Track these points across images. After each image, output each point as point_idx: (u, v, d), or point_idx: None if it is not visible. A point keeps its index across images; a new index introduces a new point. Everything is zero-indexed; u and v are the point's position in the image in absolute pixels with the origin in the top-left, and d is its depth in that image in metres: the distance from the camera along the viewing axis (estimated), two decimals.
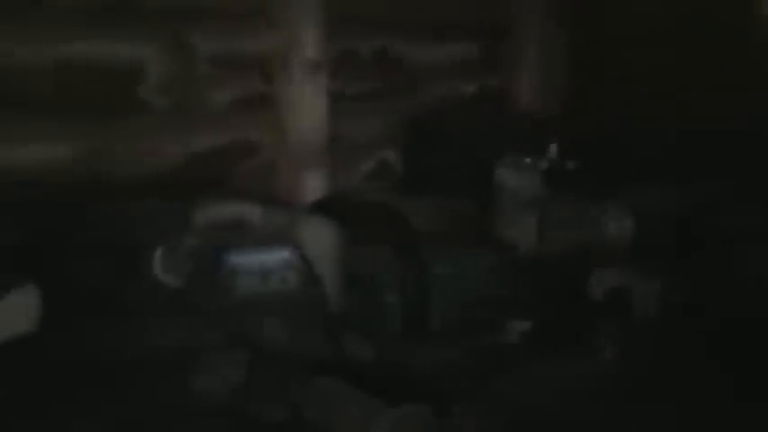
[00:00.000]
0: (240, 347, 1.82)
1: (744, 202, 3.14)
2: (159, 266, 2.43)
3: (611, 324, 2.44)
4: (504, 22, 4.27)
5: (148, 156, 3.08)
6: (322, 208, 3.00)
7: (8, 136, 2.84)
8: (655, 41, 3.93)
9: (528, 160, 3.27)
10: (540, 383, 2.07)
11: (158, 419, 1.69)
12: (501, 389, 2.09)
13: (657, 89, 3.84)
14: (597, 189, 3.16)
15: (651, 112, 3.70)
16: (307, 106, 3.34)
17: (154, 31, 3.08)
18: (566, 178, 3.24)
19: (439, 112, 3.84)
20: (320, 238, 2.69)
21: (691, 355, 2.29)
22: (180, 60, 3.14)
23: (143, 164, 3.08)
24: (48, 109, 2.90)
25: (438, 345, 2.44)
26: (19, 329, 2.27)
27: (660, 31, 3.94)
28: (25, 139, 2.88)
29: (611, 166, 3.29)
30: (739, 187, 3.23)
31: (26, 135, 2.88)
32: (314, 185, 3.33)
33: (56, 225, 2.67)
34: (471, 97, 4.13)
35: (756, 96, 3.62)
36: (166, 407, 1.71)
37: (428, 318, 2.59)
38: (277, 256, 2.53)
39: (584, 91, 4.12)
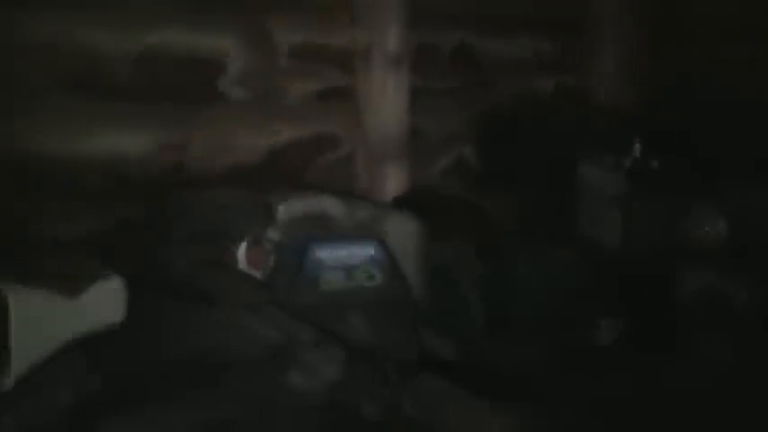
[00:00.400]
0: (333, 343, 1.77)
1: None
2: (244, 260, 2.40)
3: (705, 325, 2.36)
4: (580, 17, 4.18)
5: (227, 147, 3.06)
6: (404, 203, 2.96)
7: (90, 125, 2.85)
8: (743, 35, 3.81)
9: (611, 158, 3.20)
10: (640, 384, 2.00)
11: (254, 417, 1.65)
12: (598, 389, 2.03)
13: (745, 84, 3.72)
14: (684, 187, 3.08)
15: (738, 107, 3.58)
16: (387, 100, 3.30)
17: (236, 22, 3.06)
18: (650, 176, 3.16)
19: (516, 108, 3.77)
20: (404, 233, 2.64)
21: None
22: (261, 52, 3.12)
23: (221, 155, 3.06)
24: (129, 98, 2.91)
25: (522, 342, 2.38)
26: (104, 320, 2.25)
27: (749, 24, 3.82)
28: (107, 127, 2.88)
29: (697, 164, 3.20)
30: None
31: (108, 124, 2.88)
32: (393, 180, 3.28)
33: (139, 215, 2.66)
34: (548, 93, 4.05)
35: None
36: (262, 404, 1.67)
37: (510, 315, 2.53)
38: (362, 252, 2.49)
39: (666, 87, 4.02)
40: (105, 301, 2.28)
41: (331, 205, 2.64)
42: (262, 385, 1.68)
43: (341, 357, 1.72)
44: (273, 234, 2.49)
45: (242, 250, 2.41)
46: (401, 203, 2.94)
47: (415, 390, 1.73)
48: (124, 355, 1.87)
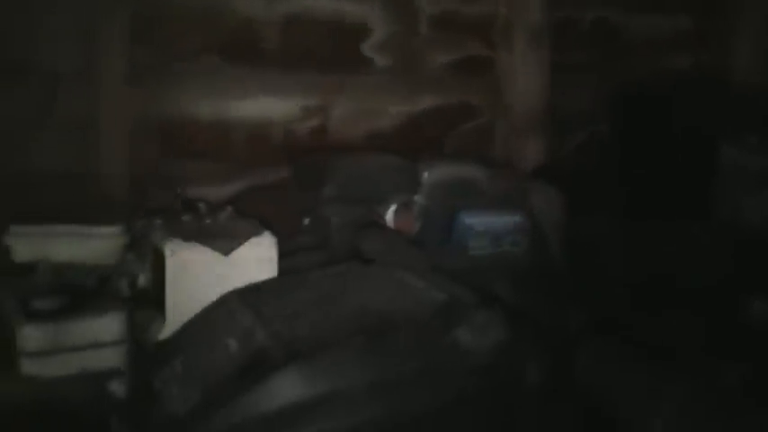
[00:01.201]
0: (497, 305, 1.77)
1: None
2: (392, 223, 2.42)
3: None
4: None
5: (368, 112, 3.09)
6: (545, 174, 2.93)
7: (239, 89, 2.90)
8: None
9: (753, 137, 3.12)
10: None
11: (421, 375, 1.66)
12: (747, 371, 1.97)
13: None
14: None
15: None
16: (527, 73, 3.28)
17: None
18: None
19: (655, 85, 3.70)
20: (548, 204, 2.63)
21: None
22: (404, 20, 3.12)
23: (363, 120, 3.09)
24: (276, 63, 2.95)
25: (667, 317, 2.33)
26: (256, 277, 2.30)
27: None
28: (254, 91, 2.93)
29: None
30: None
31: (255, 88, 2.93)
32: (531, 153, 3.26)
33: (285, 177, 2.70)
34: (686, 71, 3.96)
35: None
36: (429, 362, 1.68)
37: (655, 290, 2.49)
38: (508, 220, 2.48)
39: None
40: (257, 258, 2.33)
41: (476, 173, 2.64)
42: (429, 343, 1.69)
43: (506, 319, 1.72)
44: (420, 198, 2.51)
45: (390, 213, 2.43)
46: (542, 175, 2.92)
47: (584, 353, 1.71)
48: (288, 308, 1.89)
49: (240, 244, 2.30)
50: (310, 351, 1.68)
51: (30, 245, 2.57)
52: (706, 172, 3.13)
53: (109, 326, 2.31)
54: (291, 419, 1.59)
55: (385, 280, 1.93)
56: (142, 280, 2.45)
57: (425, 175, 2.54)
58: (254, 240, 2.33)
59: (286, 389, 1.62)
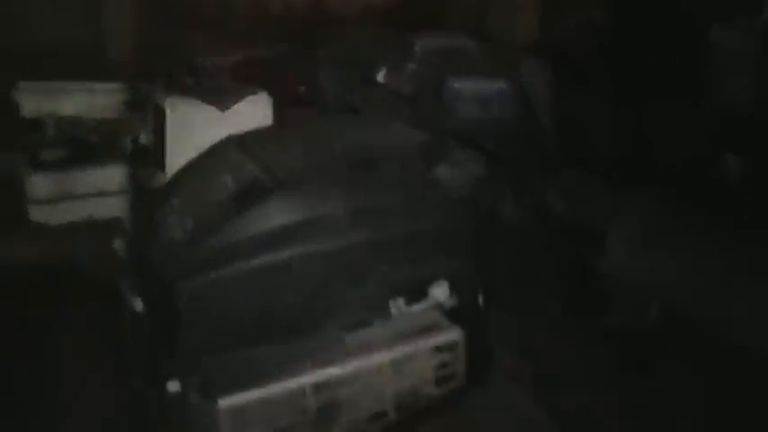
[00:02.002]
0: (478, 149, 1.88)
1: None
2: (384, 81, 2.51)
3: None
4: None
5: None
6: (538, 51, 3.01)
7: None
8: None
9: (743, 19, 3.17)
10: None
11: (404, 204, 1.78)
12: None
13: None
14: None
15: None
16: None
17: None
18: None
19: None
20: (536, 76, 2.71)
21: None
22: None
23: None
24: None
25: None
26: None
27: None
28: None
29: None
30: None
31: None
32: (524, 30, 3.32)
33: (284, 48, 2.78)
34: None
35: None
36: (412, 193, 1.79)
37: (639, 159, 2.58)
38: (495, 87, 2.57)
39: None
40: (253, 115, 2.43)
41: (468, 44, 2.72)
42: (410, 176, 1.80)
43: (485, 159, 1.83)
44: (412, 65, 2.59)
45: (382, 74, 2.53)
46: (534, 51, 2.99)
47: (555, 186, 1.82)
48: (280, 148, 2.00)
49: (237, 101, 2.39)
50: (298, 179, 1.80)
51: (37, 100, 2.68)
52: (696, 55, 3.20)
53: (112, 176, 2.44)
54: (278, 241, 1.70)
55: (372, 125, 2.04)
56: (144, 138, 2.56)
57: (418, 44, 2.62)
58: (250, 98, 2.42)
59: (274, 213, 1.74)
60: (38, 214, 2.46)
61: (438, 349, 1.77)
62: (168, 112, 2.39)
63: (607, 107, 2.80)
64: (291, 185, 1.78)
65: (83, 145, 2.54)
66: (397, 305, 1.81)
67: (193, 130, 2.39)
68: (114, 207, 2.42)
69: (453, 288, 1.86)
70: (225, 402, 1.64)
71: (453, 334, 1.76)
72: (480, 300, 1.94)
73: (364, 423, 1.75)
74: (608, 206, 1.66)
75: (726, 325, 1.37)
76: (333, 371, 1.70)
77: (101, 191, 2.45)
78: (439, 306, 1.84)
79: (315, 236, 1.73)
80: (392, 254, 1.77)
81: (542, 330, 2.17)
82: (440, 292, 1.84)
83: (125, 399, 1.97)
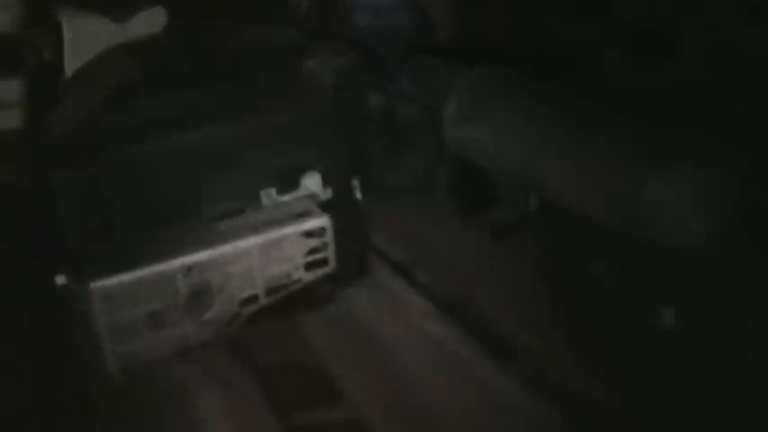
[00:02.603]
0: (346, 44, 1.95)
1: None
2: None
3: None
4: None
5: None
6: None
7: None
8: None
9: None
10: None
11: (273, 97, 1.86)
12: None
13: None
14: None
15: None
16: None
17: None
18: None
19: None
20: None
21: None
22: None
23: None
24: None
25: None
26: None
27: None
28: None
29: None
30: None
31: None
32: None
33: None
34: None
35: None
36: (282, 85, 1.87)
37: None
38: None
39: None
40: (148, 26, 2.48)
41: None
42: (280, 69, 1.88)
43: (350, 53, 1.90)
44: None
45: None
46: None
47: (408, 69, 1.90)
48: (160, 53, 2.07)
49: (134, 14, 2.44)
50: (170, 84, 1.87)
51: None
52: None
53: (12, 88, 2.49)
54: (150, 132, 1.77)
55: (249, 30, 2.10)
56: (47, 54, 2.60)
57: None
58: (146, 12, 2.47)
59: (145, 107, 1.81)
60: None
61: (307, 235, 1.85)
62: (65, 25, 2.43)
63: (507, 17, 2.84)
64: (164, 82, 1.85)
65: None
66: (269, 195, 1.88)
67: (91, 41, 2.43)
68: (13, 120, 2.48)
69: (326, 180, 1.93)
70: (97, 285, 1.72)
71: (321, 221, 1.84)
72: (357, 193, 2.02)
73: (236, 306, 1.83)
74: (446, 84, 1.74)
75: (545, 185, 1.45)
76: (203, 255, 1.77)
77: (2, 103, 2.51)
78: (311, 196, 1.92)
79: (185, 127, 1.80)
80: (261, 145, 1.85)
81: (429, 226, 2.24)
82: (312, 182, 1.92)
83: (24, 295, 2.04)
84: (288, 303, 1.93)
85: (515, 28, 2.72)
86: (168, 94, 1.85)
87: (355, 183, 1.99)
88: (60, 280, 1.78)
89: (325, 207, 1.91)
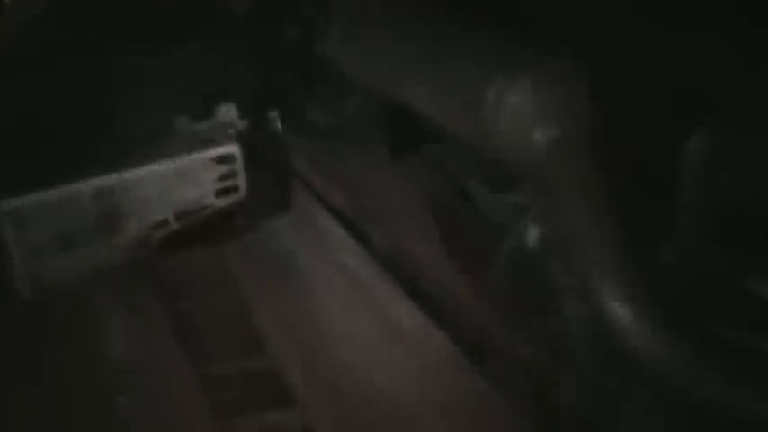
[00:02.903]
0: None
1: None
2: None
3: None
4: None
5: None
6: None
7: None
8: None
9: None
10: None
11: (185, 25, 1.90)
12: None
13: None
14: None
15: None
16: None
17: None
18: None
19: None
20: None
21: None
22: None
23: None
24: None
25: None
26: None
27: None
28: None
29: None
30: None
31: None
32: None
33: None
34: None
35: None
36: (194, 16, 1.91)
37: None
38: None
39: None
40: None
41: None
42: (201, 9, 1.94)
43: None
44: None
45: None
46: None
47: None
48: None
49: None
50: None
51: None
52: None
53: None
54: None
55: None
56: None
57: None
58: None
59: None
60: None
61: (218, 161, 1.89)
62: None
63: None
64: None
65: None
66: (183, 122, 1.92)
67: None
68: None
69: (242, 110, 1.97)
70: (6, 206, 1.76)
71: (230, 148, 1.88)
72: (277, 125, 2.05)
73: (148, 230, 1.87)
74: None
75: (413, 100, 1.47)
76: (113, 178, 1.81)
77: None
78: (226, 126, 1.95)
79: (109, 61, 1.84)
80: (171, 70, 1.89)
81: (358, 160, 2.26)
82: (226, 111, 1.95)
83: None
84: (208, 232, 1.96)
85: None
86: (79, 20, 1.88)
87: (274, 115, 2.03)
88: None
89: (242, 137, 1.94)
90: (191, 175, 1.85)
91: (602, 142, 1.15)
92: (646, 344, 1.09)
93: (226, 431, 1.50)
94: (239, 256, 1.99)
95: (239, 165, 1.88)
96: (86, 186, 1.79)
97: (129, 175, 1.81)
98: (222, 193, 1.90)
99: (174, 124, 1.91)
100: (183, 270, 1.92)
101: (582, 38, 1.22)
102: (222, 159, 1.88)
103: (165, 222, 1.86)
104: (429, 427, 1.48)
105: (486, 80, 1.18)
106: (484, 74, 1.20)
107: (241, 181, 1.90)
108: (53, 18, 1.96)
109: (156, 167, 1.83)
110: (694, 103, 1.14)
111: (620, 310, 1.10)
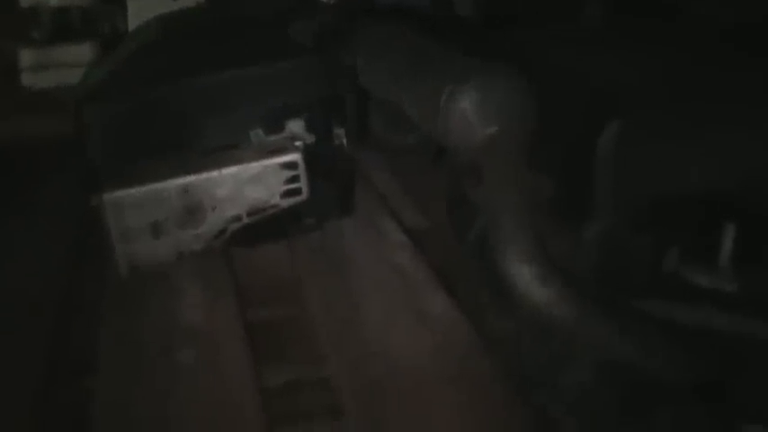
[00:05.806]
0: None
1: None
2: None
3: None
4: None
5: None
6: None
7: None
8: None
9: None
10: None
11: (261, 53, 2.26)
12: None
13: None
14: None
15: None
16: None
17: None
18: None
19: None
20: None
21: None
22: None
23: None
24: None
25: None
26: None
27: None
28: None
29: None
30: None
31: None
32: None
33: None
34: None
35: None
36: (269, 45, 2.27)
37: None
38: None
39: None
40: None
41: None
42: (270, 27, 2.31)
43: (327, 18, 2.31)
44: None
45: None
46: None
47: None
48: (185, 21, 2.52)
49: None
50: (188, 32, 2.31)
51: None
52: None
53: (84, 50, 3.00)
54: (160, 79, 2.21)
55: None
56: (120, 22, 3.11)
57: None
58: None
59: (154, 54, 2.25)
60: (27, 80, 3.10)
61: (283, 167, 2.24)
62: (129, 1, 2.93)
63: None
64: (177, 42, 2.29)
65: (66, 27, 3.15)
66: (257, 135, 2.29)
67: (149, 14, 2.90)
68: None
69: (309, 126, 2.32)
70: (108, 197, 2.16)
71: (293, 156, 2.22)
72: (342, 139, 2.39)
73: (224, 222, 2.23)
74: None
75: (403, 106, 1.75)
76: (196, 178, 2.19)
77: (76, 63, 3.01)
78: (294, 138, 2.30)
79: (189, 76, 2.23)
80: (250, 92, 2.25)
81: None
82: (295, 126, 2.30)
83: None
84: (277, 228, 2.32)
85: None
86: (179, 50, 2.28)
87: (339, 132, 2.37)
88: (94, 201, 2.21)
89: (308, 148, 2.29)
90: (260, 179, 2.20)
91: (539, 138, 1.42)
92: (545, 300, 1.34)
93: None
94: (301, 251, 2.34)
95: (302, 171, 2.22)
96: (175, 184, 2.16)
97: (210, 176, 2.17)
98: (287, 194, 2.23)
99: (251, 138, 2.26)
100: (252, 257, 2.28)
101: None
102: (287, 166, 2.21)
103: (238, 218, 2.21)
104: None
105: (442, 87, 1.47)
106: (442, 82, 1.49)
107: (304, 185, 2.23)
108: (160, 45, 2.36)
109: (232, 170, 2.18)
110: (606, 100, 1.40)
111: (520, 269, 1.36)
